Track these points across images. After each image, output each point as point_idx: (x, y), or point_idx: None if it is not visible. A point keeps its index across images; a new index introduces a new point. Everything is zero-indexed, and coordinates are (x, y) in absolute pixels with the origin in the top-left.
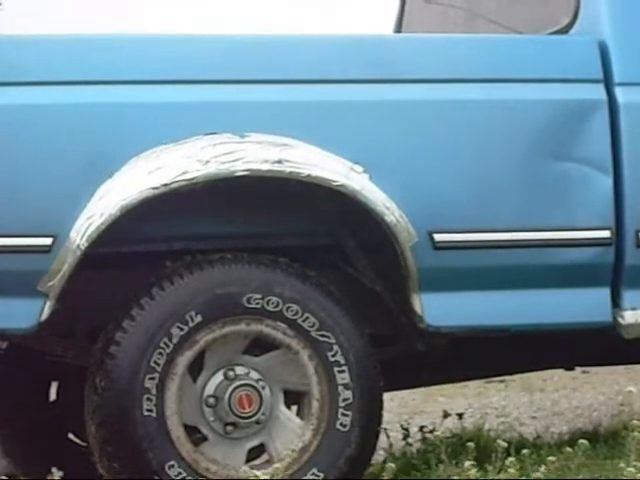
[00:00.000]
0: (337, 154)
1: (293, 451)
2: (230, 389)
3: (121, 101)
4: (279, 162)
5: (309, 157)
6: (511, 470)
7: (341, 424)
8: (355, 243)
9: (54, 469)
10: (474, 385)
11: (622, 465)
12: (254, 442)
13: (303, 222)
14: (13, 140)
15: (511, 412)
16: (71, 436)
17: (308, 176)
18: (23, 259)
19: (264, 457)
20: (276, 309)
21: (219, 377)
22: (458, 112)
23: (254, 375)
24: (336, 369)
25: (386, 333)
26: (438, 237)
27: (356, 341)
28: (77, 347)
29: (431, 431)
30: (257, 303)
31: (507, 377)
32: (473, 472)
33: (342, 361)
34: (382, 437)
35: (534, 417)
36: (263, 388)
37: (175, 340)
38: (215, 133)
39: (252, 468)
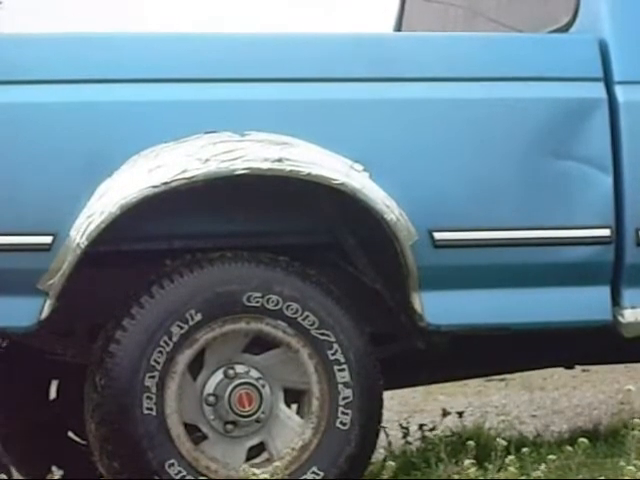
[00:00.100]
0: (337, 152)
1: (293, 450)
2: (230, 387)
3: (121, 100)
4: (279, 161)
5: (309, 156)
6: (511, 469)
7: (341, 423)
8: (355, 241)
9: (54, 468)
10: (474, 384)
11: (622, 464)
12: (254, 441)
13: (303, 220)
14: (13, 138)
15: (511, 411)
16: (71, 435)
17: (308, 175)
18: (23, 257)
19: (264, 455)
20: (276, 307)
21: (219, 375)
22: (458, 110)
23: (254, 374)
24: (336, 367)
25: (386, 331)
26: (438, 235)
27: (356, 340)
28: (77, 345)
29: (431, 430)
30: (257, 302)
31: (507, 375)
32: (473, 471)
33: (342, 359)
34: (382, 436)
35: (534, 416)
36: (263, 386)
37: (175, 338)
38: (215, 132)
39: (252, 467)
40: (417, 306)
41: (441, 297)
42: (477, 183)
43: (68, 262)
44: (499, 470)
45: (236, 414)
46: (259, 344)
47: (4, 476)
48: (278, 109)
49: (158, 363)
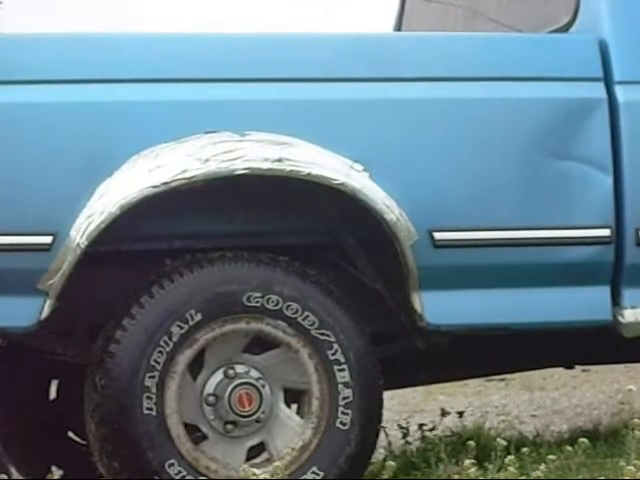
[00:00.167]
0: (337, 152)
1: (293, 450)
2: (230, 387)
3: (121, 100)
4: (279, 161)
5: (309, 156)
6: (511, 469)
7: (341, 422)
8: (355, 241)
9: (54, 468)
10: (474, 383)
11: (622, 464)
12: (254, 441)
13: (303, 220)
14: (13, 138)
15: (511, 410)
16: (71, 435)
17: (308, 174)
18: (23, 257)
19: (264, 456)
20: (276, 307)
21: (219, 375)
22: (458, 110)
23: (254, 374)
24: (336, 367)
25: (386, 331)
26: (438, 235)
27: (356, 339)
28: (77, 345)
29: (431, 429)
30: (257, 302)
31: (507, 375)
32: (473, 471)
33: (342, 359)
34: (382, 436)
35: (534, 415)
36: (263, 386)
37: (175, 338)
38: (215, 132)
39: (252, 466)
40: (417, 306)
41: (441, 297)
42: (477, 183)
43: (68, 262)
44: (499, 470)
45: (236, 414)
46: (259, 344)
47: (4, 476)
48: (278, 109)
49: (158, 363)
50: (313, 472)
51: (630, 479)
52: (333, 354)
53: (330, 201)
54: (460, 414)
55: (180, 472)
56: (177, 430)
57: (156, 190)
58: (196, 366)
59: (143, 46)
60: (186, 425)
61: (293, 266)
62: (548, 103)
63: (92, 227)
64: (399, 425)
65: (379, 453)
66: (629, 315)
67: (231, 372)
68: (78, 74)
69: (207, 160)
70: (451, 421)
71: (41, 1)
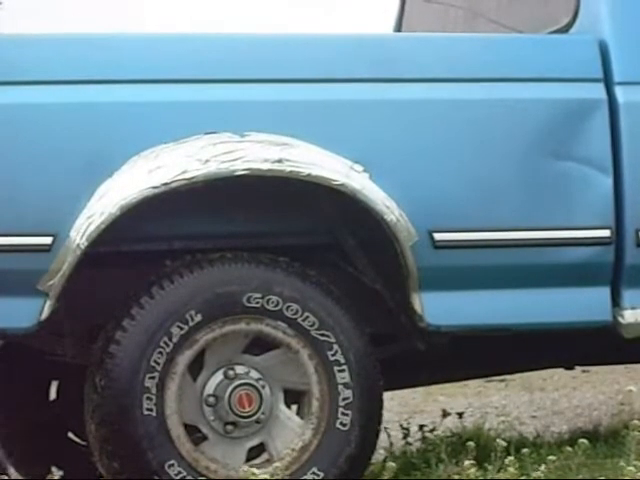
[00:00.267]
0: (337, 153)
1: (293, 450)
2: (230, 388)
3: (121, 100)
4: (279, 161)
5: (309, 156)
6: (511, 469)
7: (341, 423)
8: (355, 242)
9: (54, 468)
10: (474, 384)
11: (622, 464)
12: (254, 441)
13: (303, 221)
14: (13, 139)
15: (511, 411)
16: (71, 435)
17: (308, 175)
18: (23, 258)
19: (264, 456)
20: (276, 308)
21: (219, 376)
22: (458, 111)
23: (254, 374)
24: (336, 368)
25: (386, 332)
26: (438, 236)
27: (356, 340)
28: (77, 346)
29: (431, 430)
30: (257, 302)
31: (507, 376)
32: (473, 471)
33: (342, 360)
34: (382, 436)
35: (534, 416)
36: (263, 387)
37: (175, 339)
38: (215, 132)
39: (252, 467)
40: (417, 307)
41: (441, 298)
42: (477, 184)
43: (68, 263)
44: (499, 471)
45: (236, 415)
46: (259, 345)
47: (4, 476)
48: (278, 110)
49: (158, 364)
50: (313, 473)
51: (630, 479)
52: (333, 355)
53: (330, 202)
54: (460, 415)
55: (180, 473)
56: (177, 431)
57: (156, 191)
58: (196, 367)
59: (143, 46)
60: (186, 426)
61: (293, 267)
62: (548, 104)
63: (92, 228)
64: (400, 425)
65: (379, 454)
66: (629, 316)
67: (231, 373)
68: (78, 75)
69: (207, 161)
70: (451, 422)
71: (41, 1)
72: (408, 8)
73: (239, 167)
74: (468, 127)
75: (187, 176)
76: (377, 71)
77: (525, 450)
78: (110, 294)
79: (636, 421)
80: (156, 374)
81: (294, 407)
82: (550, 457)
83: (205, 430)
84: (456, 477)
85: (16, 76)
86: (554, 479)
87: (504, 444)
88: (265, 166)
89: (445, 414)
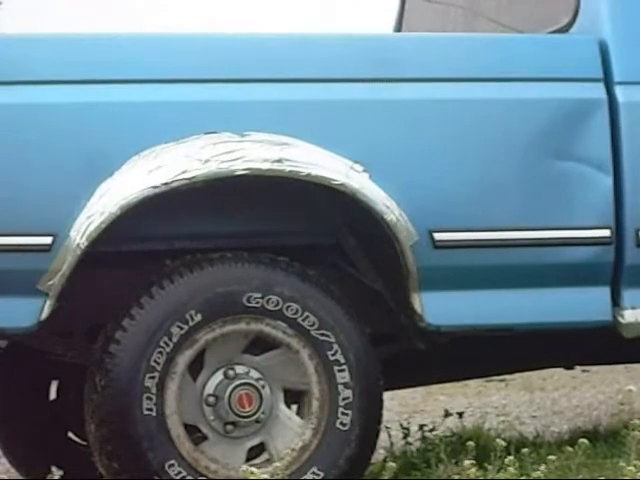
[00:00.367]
0: (337, 153)
1: (293, 450)
2: (230, 388)
3: (121, 100)
4: (279, 161)
5: (309, 156)
6: (511, 469)
7: (341, 423)
8: (355, 242)
9: (54, 468)
10: (474, 384)
11: (622, 464)
12: (254, 441)
13: (303, 221)
14: (13, 139)
15: (511, 411)
16: (71, 435)
17: (308, 175)
18: (23, 258)
19: (264, 456)
20: (276, 308)
21: (219, 376)
22: (458, 111)
23: (254, 374)
24: (336, 368)
25: (386, 332)
26: (438, 236)
27: (356, 340)
28: (77, 346)
29: (431, 430)
30: (257, 302)
31: (507, 376)
32: (473, 471)
33: (342, 360)
34: (382, 436)
35: (534, 416)
36: (263, 387)
37: (175, 339)
38: (215, 132)
39: (252, 467)
40: (417, 307)
41: (441, 298)
42: (477, 184)
43: (68, 263)
44: (499, 470)
45: (236, 415)
46: (259, 345)
47: (4, 476)
48: (278, 109)
49: (158, 364)
50: (313, 473)
51: (630, 479)
52: (333, 355)
53: (330, 202)
54: (460, 415)
55: (180, 473)
56: (177, 431)
57: (156, 190)
58: (196, 367)
59: (143, 46)
60: (186, 426)
61: (293, 267)
62: (548, 104)
63: (92, 227)
64: (400, 425)
65: (379, 454)
66: (629, 316)
67: (231, 373)
68: (78, 74)
69: (207, 161)
70: (451, 422)
71: (41, 1)
72: (408, 8)
73: (239, 167)
74: (468, 127)
75: (187, 176)
76: (377, 71)
77: (525, 450)
78: (110, 294)
79: (636, 421)
80: (156, 374)
81: (294, 407)
82: (550, 457)
83: (205, 430)
84: (456, 477)
85: (16, 76)
86: (554, 479)
87: (504, 444)
88: (265, 166)
89: (447, 414)
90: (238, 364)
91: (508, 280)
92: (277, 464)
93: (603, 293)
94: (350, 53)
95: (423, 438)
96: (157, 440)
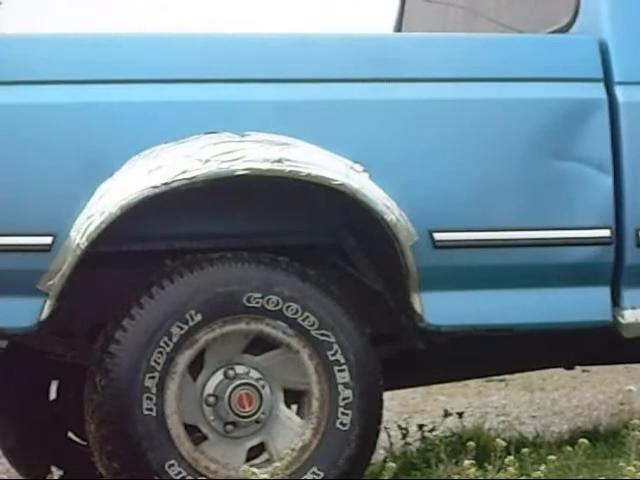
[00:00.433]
0: (337, 153)
1: (293, 450)
2: (230, 388)
3: (121, 100)
4: (279, 161)
5: (309, 156)
6: (511, 469)
7: (341, 423)
8: (355, 242)
9: (54, 468)
10: (474, 384)
11: (622, 464)
12: (254, 441)
13: (303, 221)
14: (14, 139)
15: (511, 411)
16: (71, 435)
17: (308, 175)
18: (23, 258)
19: (264, 456)
20: (276, 308)
21: (219, 376)
22: (458, 111)
23: (254, 374)
24: (336, 368)
25: (386, 332)
26: (438, 236)
27: (356, 340)
28: (77, 346)
29: (431, 430)
30: (257, 302)
31: (507, 376)
32: (473, 471)
33: (342, 360)
34: (382, 436)
35: (534, 416)
36: (263, 387)
37: (175, 339)
38: (215, 132)
39: (252, 467)
40: (417, 307)
41: (441, 298)
42: (477, 184)
43: (68, 263)
44: (499, 471)
45: (236, 415)
46: (259, 345)
47: (4, 476)
48: (278, 109)
49: (158, 364)
50: (313, 472)
51: (630, 479)
52: (333, 355)
53: (330, 202)
54: (460, 415)
55: (180, 473)
56: (177, 431)
57: (156, 191)
58: (196, 367)
59: (143, 46)
60: (186, 425)
61: (293, 267)
62: (548, 104)
63: (92, 227)
64: (398, 426)
65: (379, 454)
66: (629, 316)
67: (231, 373)
68: (78, 74)
69: (207, 161)
70: (451, 422)
71: (41, 1)
72: (408, 8)
73: (239, 167)
74: (468, 127)
75: (187, 176)
76: (377, 71)
77: (525, 450)
78: (110, 294)
79: (636, 421)
80: (156, 374)
81: (294, 407)
82: (550, 457)
83: (205, 430)
84: (456, 477)
85: (16, 76)
86: (554, 479)
87: (504, 444)
88: (265, 166)
89: (447, 414)
90: (238, 364)
91: (508, 280)
92: (277, 464)
93: (603, 293)
94: (350, 53)
95: (423, 438)
96: (157, 440)
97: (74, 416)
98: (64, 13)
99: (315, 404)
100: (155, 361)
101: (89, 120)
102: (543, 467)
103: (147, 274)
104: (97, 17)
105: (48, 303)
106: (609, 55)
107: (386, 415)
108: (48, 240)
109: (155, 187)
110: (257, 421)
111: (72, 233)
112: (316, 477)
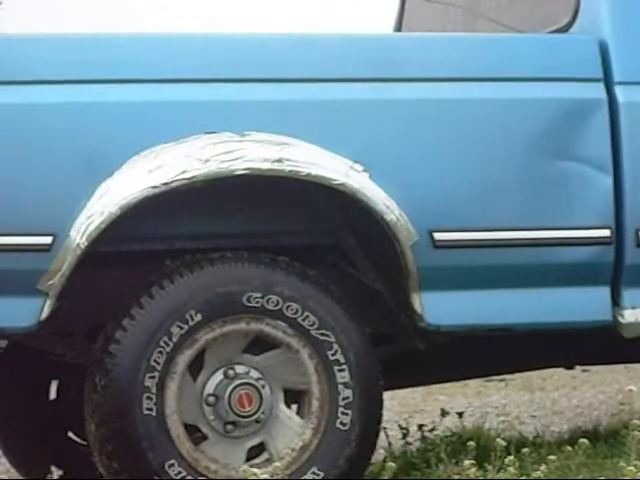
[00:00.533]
0: (337, 153)
1: (293, 450)
2: (230, 388)
3: (121, 100)
4: (279, 161)
5: (309, 156)
6: (511, 469)
7: (341, 423)
8: (355, 242)
9: (54, 468)
10: (474, 384)
11: (622, 464)
12: (254, 441)
13: (303, 221)
14: (13, 139)
15: (511, 411)
16: (71, 435)
17: (308, 175)
18: (23, 258)
19: (264, 456)
20: (276, 308)
21: (219, 376)
22: (458, 111)
23: (254, 374)
24: (336, 368)
25: (386, 332)
26: (438, 236)
27: (356, 340)
28: (77, 346)
29: (431, 430)
30: (257, 302)
31: (507, 376)
32: (473, 471)
33: (342, 360)
34: (382, 436)
35: (534, 416)
36: (263, 387)
37: (175, 339)
38: (215, 132)
39: (252, 467)
40: (417, 306)
41: (441, 297)
42: (477, 184)
43: (68, 262)
44: (499, 470)
45: (236, 414)
46: (259, 344)
47: (4, 476)
48: (278, 109)
49: (158, 363)
50: (313, 472)
51: (630, 479)
52: (333, 354)
53: (330, 202)
54: (460, 414)
55: (180, 472)
56: (177, 430)
57: (156, 190)
58: (196, 366)
59: (143, 46)
60: (186, 425)
61: (293, 266)
62: (548, 103)
63: (92, 227)
64: (399, 426)
65: (379, 453)
66: (629, 315)
67: (231, 372)
68: (78, 74)
69: (207, 160)
70: (451, 421)
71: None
72: (408, 7)
73: (239, 167)
74: (468, 127)
75: (187, 176)
76: (377, 71)
77: (525, 450)
78: (110, 294)
79: (636, 421)
80: (156, 374)
81: (294, 407)
82: (550, 457)
83: (205, 430)
84: (456, 477)
85: (16, 76)
86: (554, 479)
87: (504, 444)
88: (265, 166)
89: (445, 414)
90: (238, 364)
91: (508, 280)
92: (277, 464)
93: (603, 293)
94: (350, 53)
95: (423, 438)
96: (157, 440)
97: (74, 416)
98: (64, 13)
99: (315, 404)
100: (155, 361)
101: (89, 120)
102: (543, 467)
103: (147, 274)
104: (97, 17)
105: (48, 303)
106: (609, 55)
107: (386, 415)
108: (48, 240)
109: (155, 187)
110: (257, 421)
111: (72, 233)
112: (316, 477)
